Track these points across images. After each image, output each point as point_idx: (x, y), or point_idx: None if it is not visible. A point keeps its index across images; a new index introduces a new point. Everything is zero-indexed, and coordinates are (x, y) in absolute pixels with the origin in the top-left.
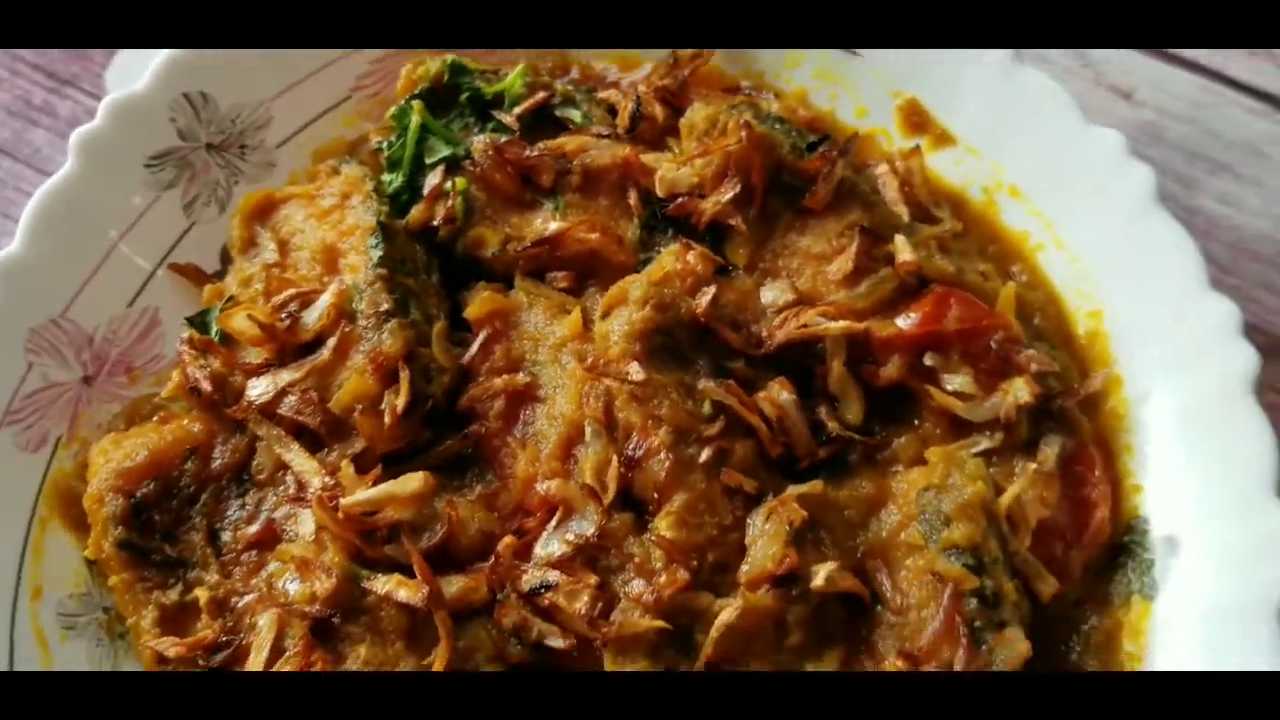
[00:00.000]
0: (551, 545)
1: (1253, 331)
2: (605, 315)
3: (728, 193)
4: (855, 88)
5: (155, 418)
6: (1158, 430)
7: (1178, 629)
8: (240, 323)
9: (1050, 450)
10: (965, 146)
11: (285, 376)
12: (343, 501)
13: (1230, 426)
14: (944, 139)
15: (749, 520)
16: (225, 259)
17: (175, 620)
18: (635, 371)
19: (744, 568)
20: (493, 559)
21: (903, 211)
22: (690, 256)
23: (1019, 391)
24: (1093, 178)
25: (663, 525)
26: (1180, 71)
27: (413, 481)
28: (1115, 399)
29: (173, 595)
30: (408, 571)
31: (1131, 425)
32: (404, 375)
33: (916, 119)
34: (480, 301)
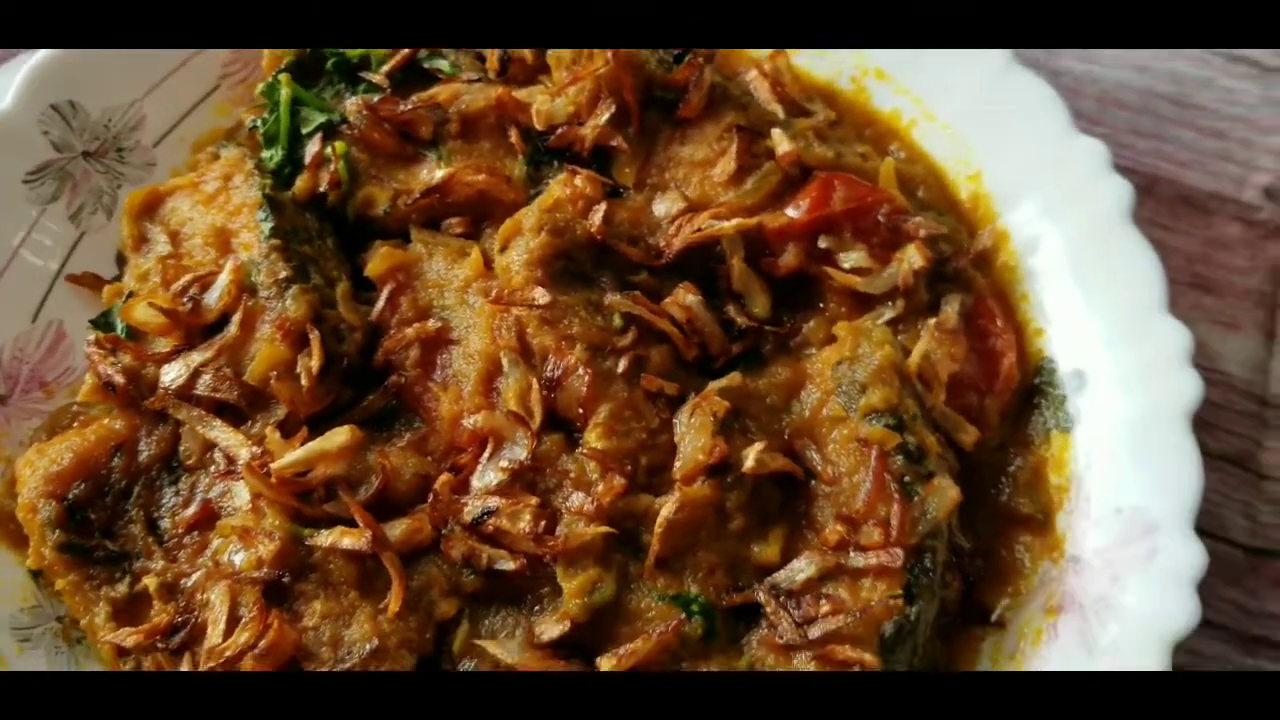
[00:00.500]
0: (488, 476)
1: (1129, 174)
2: (503, 249)
3: (604, 115)
4: None
5: (76, 423)
6: (1050, 275)
7: (1098, 455)
8: (143, 313)
9: (950, 308)
10: None
11: (196, 357)
12: (273, 465)
13: (1115, 255)
14: None
15: (675, 420)
16: (121, 262)
17: (128, 612)
18: (541, 295)
19: (677, 464)
20: (431, 497)
21: (777, 110)
22: (578, 180)
23: (912, 258)
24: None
25: (592, 438)
26: None
27: (339, 435)
28: (1005, 252)
29: (121, 588)
30: (351, 526)
31: (1024, 274)
32: (314, 337)
33: None
34: (379, 258)
